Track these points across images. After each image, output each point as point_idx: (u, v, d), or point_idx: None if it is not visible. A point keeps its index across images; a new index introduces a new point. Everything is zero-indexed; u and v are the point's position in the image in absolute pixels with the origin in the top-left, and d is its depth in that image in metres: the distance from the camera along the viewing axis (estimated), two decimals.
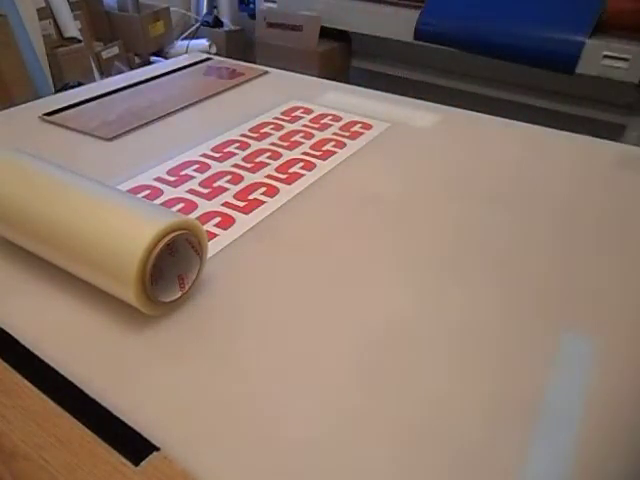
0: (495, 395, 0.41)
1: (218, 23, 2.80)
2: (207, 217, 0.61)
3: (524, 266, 0.55)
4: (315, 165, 0.73)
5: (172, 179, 0.69)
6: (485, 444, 0.38)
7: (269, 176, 0.70)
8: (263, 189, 0.67)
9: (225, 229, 0.59)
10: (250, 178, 0.69)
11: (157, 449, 0.36)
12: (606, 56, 1.75)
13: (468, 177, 0.72)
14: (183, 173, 0.70)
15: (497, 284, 0.52)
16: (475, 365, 0.44)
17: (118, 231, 0.45)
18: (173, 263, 0.48)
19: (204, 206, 0.63)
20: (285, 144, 0.78)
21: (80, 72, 2.18)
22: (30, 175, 0.53)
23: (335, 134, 0.81)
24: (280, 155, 0.75)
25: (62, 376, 0.42)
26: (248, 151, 0.76)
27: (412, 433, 0.39)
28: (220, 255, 0.55)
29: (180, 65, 1.10)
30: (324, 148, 0.77)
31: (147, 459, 0.35)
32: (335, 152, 0.76)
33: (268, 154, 0.75)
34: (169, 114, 0.88)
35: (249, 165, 0.72)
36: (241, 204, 0.64)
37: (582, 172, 0.73)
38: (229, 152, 0.76)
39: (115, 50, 2.43)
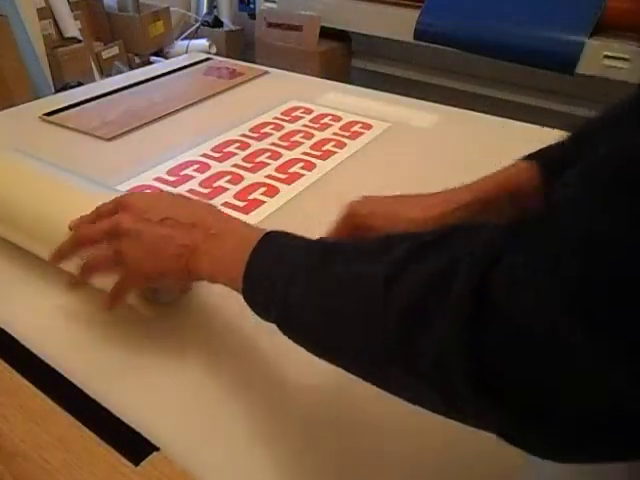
0: None
1: (218, 23, 2.80)
2: None
3: None
4: (315, 165, 0.73)
5: (172, 179, 0.69)
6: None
7: (269, 176, 0.70)
8: (263, 189, 0.67)
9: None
10: (250, 178, 0.69)
11: (157, 449, 0.36)
12: (606, 56, 1.75)
13: (467, 177, 0.72)
14: (183, 173, 0.70)
15: None
16: None
17: None
18: None
19: None
20: (285, 144, 0.78)
21: (80, 72, 2.18)
22: (30, 175, 0.53)
23: (335, 134, 0.81)
24: (280, 155, 0.75)
25: (62, 376, 0.42)
26: (248, 151, 0.76)
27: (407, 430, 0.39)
28: None
29: (180, 65, 1.10)
30: (324, 148, 0.77)
31: (147, 459, 0.35)
32: (335, 152, 0.76)
33: (268, 154, 0.75)
34: (169, 114, 0.88)
35: (249, 165, 0.72)
36: (241, 204, 0.64)
37: None
38: (229, 152, 0.76)
39: (115, 50, 2.43)
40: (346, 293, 0.29)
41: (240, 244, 0.36)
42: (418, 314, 0.24)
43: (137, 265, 0.40)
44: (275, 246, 0.35)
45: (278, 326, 0.34)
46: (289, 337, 0.34)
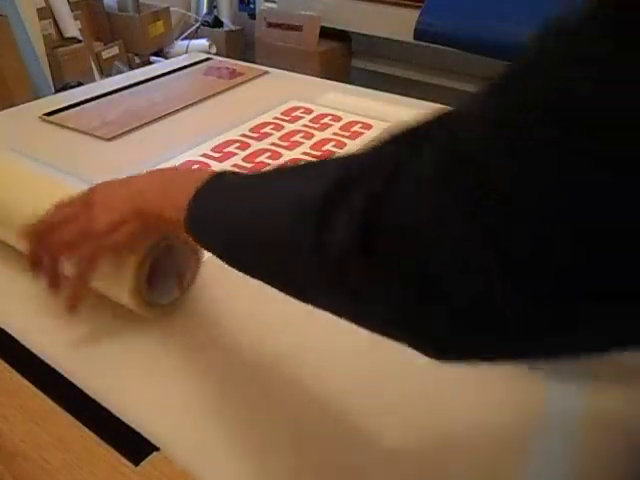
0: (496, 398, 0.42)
1: (218, 23, 2.80)
2: None
3: None
4: None
5: None
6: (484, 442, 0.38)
7: None
8: None
9: None
10: None
11: (157, 449, 0.36)
12: None
13: None
14: None
15: None
16: None
17: None
18: (170, 264, 0.48)
19: None
20: (285, 144, 0.78)
21: (80, 72, 2.18)
22: (27, 176, 0.53)
23: (335, 134, 0.81)
24: (280, 155, 0.75)
25: (62, 376, 0.42)
26: (248, 151, 0.76)
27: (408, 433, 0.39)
28: None
29: (180, 65, 1.10)
30: (324, 148, 0.77)
31: (147, 459, 0.35)
32: (335, 152, 0.76)
33: (268, 154, 0.75)
34: (169, 114, 0.88)
35: (249, 165, 0.72)
36: None
37: None
38: (229, 152, 0.76)
39: (115, 50, 2.43)
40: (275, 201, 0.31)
41: (190, 182, 0.37)
42: (327, 211, 0.26)
43: (98, 220, 0.41)
44: (222, 182, 0.37)
45: (219, 255, 0.36)
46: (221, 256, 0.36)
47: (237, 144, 0.78)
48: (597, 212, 0.17)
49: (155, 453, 0.36)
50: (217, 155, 0.75)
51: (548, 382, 0.42)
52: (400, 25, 2.07)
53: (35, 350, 0.44)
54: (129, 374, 0.43)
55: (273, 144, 0.78)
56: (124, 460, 0.35)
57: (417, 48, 2.13)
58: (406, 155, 0.24)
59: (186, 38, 2.78)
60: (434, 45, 2.03)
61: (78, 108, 0.90)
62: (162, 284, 0.47)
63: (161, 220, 0.40)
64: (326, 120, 0.85)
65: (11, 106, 0.91)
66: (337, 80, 1.05)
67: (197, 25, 2.82)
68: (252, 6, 2.61)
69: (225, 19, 2.83)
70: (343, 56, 2.48)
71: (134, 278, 0.43)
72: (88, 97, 0.93)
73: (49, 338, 0.46)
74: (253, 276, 0.34)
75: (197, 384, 0.42)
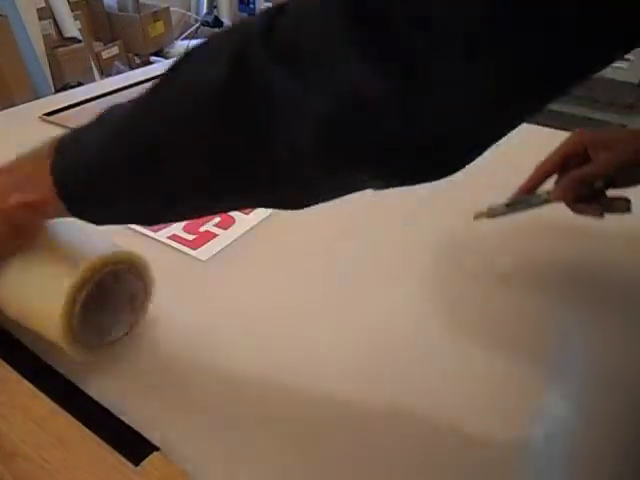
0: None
1: (218, 23, 2.80)
2: (207, 217, 0.61)
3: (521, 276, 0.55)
4: None
5: None
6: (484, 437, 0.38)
7: None
8: None
9: (225, 229, 0.59)
10: None
11: (157, 449, 0.36)
12: None
13: (465, 177, 0.72)
14: None
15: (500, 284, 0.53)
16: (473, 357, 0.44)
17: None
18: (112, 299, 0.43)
19: None
20: None
21: (80, 72, 2.18)
22: None
23: None
24: None
25: (62, 376, 0.41)
26: None
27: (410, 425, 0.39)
28: (220, 255, 0.55)
29: None
30: None
31: (147, 459, 0.35)
32: None
33: None
34: None
35: None
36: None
37: None
38: None
39: (115, 50, 2.43)
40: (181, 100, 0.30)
41: (41, 158, 0.35)
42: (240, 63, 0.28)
43: None
44: (70, 141, 0.35)
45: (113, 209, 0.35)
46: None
47: None
48: None
49: (155, 453, 0.35)
50: None
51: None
52: None
53: (35, 350, 0.44)
54: (129, 374, 0.43)
55: None
56: (124, 460, 0.35)
57: None
58: None
59: (186, 38, 2.78)
60: None
61: (78, 108, 0.90)
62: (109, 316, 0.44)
63: (28, 209, 0.37)
64: None
65: (11, 106, 0.91)
66: None
67: (197, 25, 2.82)
68: (252, 6, 2.61)
69: (225, 19, 2.83)
70: None
71: (65, 330, 0.39)
72: (88, 97, 0.93)
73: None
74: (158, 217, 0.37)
75: (197, 384, 0.42)
